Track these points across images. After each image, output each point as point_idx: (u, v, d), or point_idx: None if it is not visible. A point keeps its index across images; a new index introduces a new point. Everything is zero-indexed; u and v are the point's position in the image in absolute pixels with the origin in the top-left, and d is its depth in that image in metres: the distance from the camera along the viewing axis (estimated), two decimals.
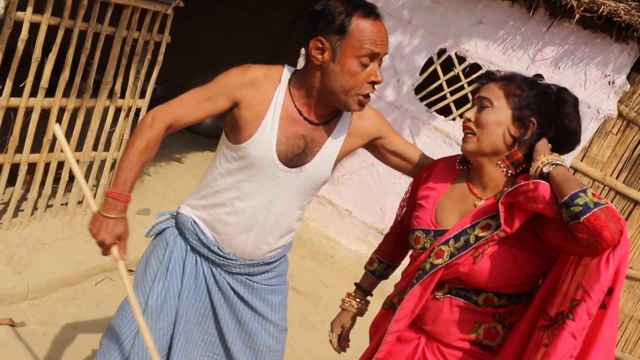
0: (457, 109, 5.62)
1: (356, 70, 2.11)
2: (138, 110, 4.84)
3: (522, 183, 1.98)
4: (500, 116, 2.09)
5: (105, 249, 2.17)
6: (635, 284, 5.46)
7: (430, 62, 5.70)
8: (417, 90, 5.77)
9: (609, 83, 5.18)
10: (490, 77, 2.18)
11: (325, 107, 2.25)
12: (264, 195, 2.30)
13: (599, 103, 5.20)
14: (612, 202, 5.30)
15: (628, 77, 5.15)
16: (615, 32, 5.05)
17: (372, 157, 5.08)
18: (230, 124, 2.27)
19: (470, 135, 2.14)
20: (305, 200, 2.39)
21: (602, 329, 1.89)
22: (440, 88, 5.69)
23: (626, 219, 5.38)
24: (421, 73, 5.72)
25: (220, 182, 2.32)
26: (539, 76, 2.18)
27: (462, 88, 5.61)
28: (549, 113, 2.09)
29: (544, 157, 2.01)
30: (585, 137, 5.28)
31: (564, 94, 2.13)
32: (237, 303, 2.44)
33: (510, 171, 2.12)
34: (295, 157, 2.26)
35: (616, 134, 5.33)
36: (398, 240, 2.59)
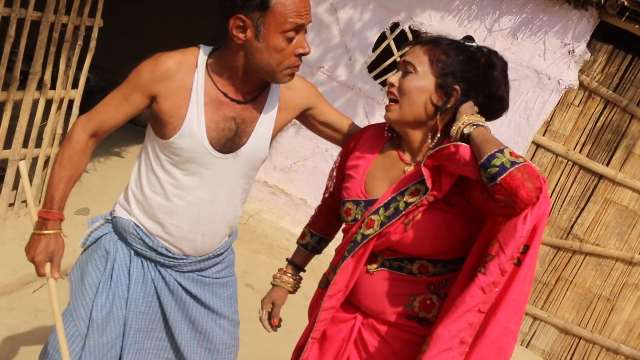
0: None
1: (282, 46, 2.10)
2: (71, 102, 4.76)
3: (443, 146, 2.03)
4: (423, 83, 2.10)
5: (38, 267, 2.27)
6: (602, 261, 5.59)
7: (383, 37, 5.71)
8: (371, 68, 5.78)
9: (569, 52, 5.27)
10: (417, 39, 2.20)
11: (252, 83, 2.25)
12: (205, 187, 2.30)
13: (560, 74, 5.28)
14: (575, 177, 5.44)
15: (588, 45, 5.24)
16: None
17: (325, 142, 5.05)
18: (153, 119, 2.26)
19: (392, 104, 2.16)
20: (247, 184, 2.41)
21: (513, 285, 1.95)
22: (394, 65, 5.70)
23: (591, 194, 5.50)
24: (374, 50, 5.73)
25: (154, 181, 2.31)
26: (469, 38, 2.19)
27: None
28: (475, 80, 2.12)
29: (466, 117, 2.04)
30: (547, 110, 5.37)
31: (493, 57, 2.16)
32: (189, 303, 2.44)
33: (431, 142, 2.16)
34: (228, 141, 2.26)
35: (578, 106, 5.43)
36: (330, 212, 2.62)
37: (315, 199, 5.98)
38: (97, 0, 4.56)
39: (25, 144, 4.53)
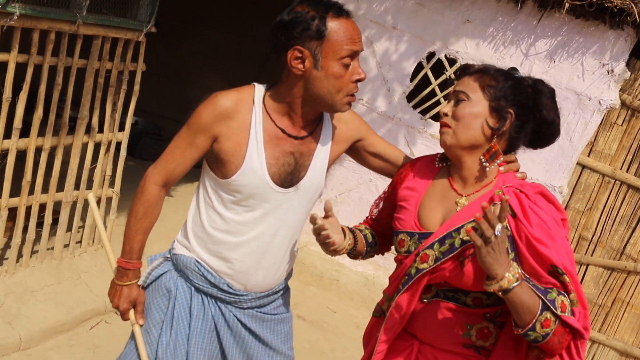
0: None
1: (340, 73, 2.19)
2: (118, 144, 4.93)
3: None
4: (477, 108, 2.17)
5: (123, 314, 2.45)
6: None
7: (419, 67, 5.80)
8: (409, 97, 5.86)
9: (608, 72, 5.29)
10: (465, 70, 2.27)
11: (308, 117, 2.32)
12: (267, 222, 2.36)
13: (600, 94, 5.30)
14: (624, 196, 5.40)
15: (627, 64, 5.24)
16: (608, 18, 5.15)
17: (369, 173, 5.18)
18: (213, 159, 2.32)
19: (447, 127, 2.21)
20: (305, 217, 2.46)
21: None
22: (432, 93, 5.78)
23: None
24: (411, 79, 5.83)
25: (215, 218, 2.37)
26: (514, 69, 2.27)
27: None
28: (526, 104, 2.19)
29: (508, 274, 1.98)
30: (590, 131, 5.36)
31: (539, 85, 2.23)
32: (247, 339, 2.50)
33: (488, 165, 2.20)
34: (288, 175, 2.33)
35: (622, 125, 5.41)
36: (375, 232, 2.59)
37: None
38: (139, 46, 4.76)
39: (77, 186, 4.73)
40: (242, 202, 2.33)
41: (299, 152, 2.34)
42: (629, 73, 5.25)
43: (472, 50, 5.63)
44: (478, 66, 2.26)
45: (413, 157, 2.56)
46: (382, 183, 5.88)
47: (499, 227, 1.94)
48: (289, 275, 2.59)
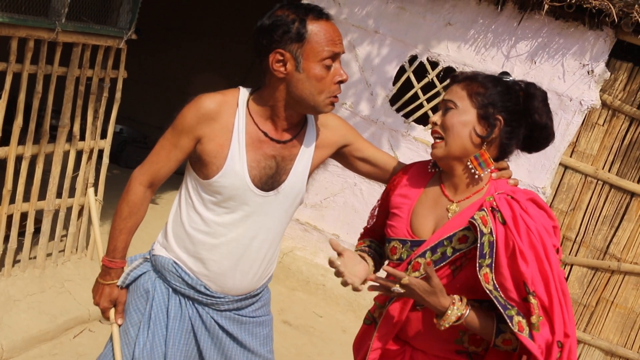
0: None
1: (322, 74, 2.21)
2: (101, 152, 4.92)
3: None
4: (465, 117, 2.18)
5: (103, 313, 2.49)
6: None
7: (402, 70, 5.83)
8: (392, 101, 5.89)
9: (588, 72, 5.33)
10: (453, 79, 2.27)
11: (290, 120, 2.34)
12: (246, 225, 2.38)
13: (581, 94, 5.34)
14: (607, 196, 5.45)
15: (607, 65, 5.29)
16: (587, 19, 5.20)
17: (354, 177, 5.16)
18: (195, 159, 2.35)
19: (438, 141, 2.22)
20: (285, 222, 2.48)
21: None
22: (415, 96, 5.81)
23: (624, 212, 5.49)
24: (394, 83, 5.85)
25: (195, 218, 2.39)
26: (505, 73, 2.26)
27: (438, 94, 5.73)
28: (516, 109, 2.19)
29: (451, 311, 2.10)
30: (572, 131, 5.40)
31: (531, 88, 2.23)
32: (225, 341, 2.51)
33: (477, 172, 2.20)
34: (269, 179, 2.34)
35: (603, 125, 5.46)
36: (377, 241, 2.59)
37: (347, 234, 6.06)
38: (120, 53, 4.75)
39: (59, 195, 4.71)
40: (222, 203, 2.34)
41: (280, 156, 2.36)
42: (609, 73, 5.29)
43: (453, 52, 5.66)
44: (466, 74, 2.26)
45: (387, 153, 2.58)
46: (367, 187, 5.90)
47: (396, 287, 2.11)
48: (268, 279, 2.60)
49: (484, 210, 2.12)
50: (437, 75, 5.73)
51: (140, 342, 2.42)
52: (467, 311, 2.09)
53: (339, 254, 2.24)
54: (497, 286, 2.06)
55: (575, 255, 5.62)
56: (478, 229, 2.09)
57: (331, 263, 2.18)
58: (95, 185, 4.95)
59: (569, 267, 5.62)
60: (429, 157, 5.73)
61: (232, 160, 2.29)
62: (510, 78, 2.25)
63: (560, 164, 5.49)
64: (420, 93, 5.78)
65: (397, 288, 2.11)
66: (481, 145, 2.19)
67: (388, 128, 5.87)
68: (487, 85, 2.19)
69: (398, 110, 5.88)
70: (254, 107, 2.34)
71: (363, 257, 2.36)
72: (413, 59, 5.79)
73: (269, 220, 2.41)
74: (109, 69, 4.72)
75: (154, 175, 2.40)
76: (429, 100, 5.78)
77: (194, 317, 2.47)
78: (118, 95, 4.86)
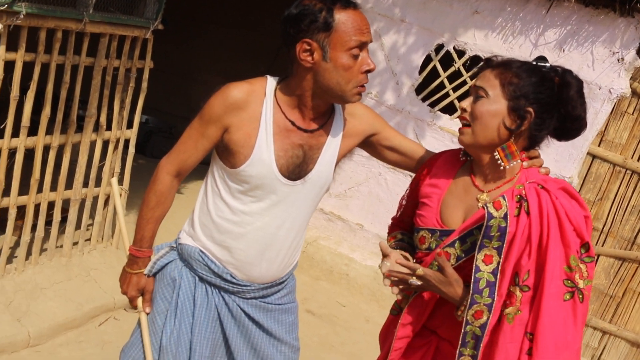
0: None
1: (349, 64, 2.19)
2: (127, 142, 4.95)
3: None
4: (495, 107, 2.13)
5: (131, 301, 2.51)
6: None
7: (428, 59, 5.78)
8: (418, 90, 5.85)
9: (618, 60, 5.25)
10: (487, 63, 2.21)
11: (319, 109, 2.33)
12: (273, 214, 2.37)
13: (610, 83, 5.26)
14: (635, 186, 5.38)
15: (638, 52, 5.20)
16: (618, 5, 5.11)
17: (378, 166, 5.15)
18: (222, 149, 2.35)
19: (465, 127, 2.18)
20: (311, 211, 2.48)
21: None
22: (441, 86, 5.77)
23: None
24: (420, 72, 5.81)
25: (222, 207, 2.39)
26: (542, 58, 2.19)
27: (464, 83, 5.68)
28: (548, 101, 2.12)
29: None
30: (600, 120, 5.33)
31: (567, 76, 2.15)
32: (251, 329, 2.51)
33: (503, 164, 2.16)
34: (296, 168, 2.34)
35: (632, 114, 5.37)
36: (407, 231, 2.58)
37: (371, 223, 6.05)
38: (147, 44, 4.77)
39: (85, 184, 4.75)
40: (249, 192, 2.34)
41: (308, 145, 2.35)
42: (639, 61, 5.20)
43: (480, 41, 5.60)
44: (501, 59, 2.20)
45: (416, 142, 2.56)
46: (392, 177, 5.88)
47: (412, 279, 2.16)
48: (294, 267, 2.60)
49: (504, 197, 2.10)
50: (464, 64, 5.67)
51: (167, 330, 2.44)
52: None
53: (385, 256, 2.28)
54: (499, 271, 2.06)
55: (602, 246, 5.56)
56: (486, 211, 2.07)
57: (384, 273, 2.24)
58: (121, 175, 4.99)
59: (596, 257, 5.56)
60: (454, 146, 5.70)
61: (260, 149, 2.29)
62: (547, 64, 2.18)
63: (588, 153, 5.42)
64: (446, 82, 5.73)
65: (414, 280, 2.14)
66: (509, 136, 2.15)
67: (414, 117, 5.83)
68: (521, 75, 2.12)
69: (424, 99, 5.84)
70: (281, 96, 2.33)
71: (407, 257, 2.35)
72: (439, 47, 5.74)
73: (296, 209, 2.41)
74: (135, 59, 4.75)
75: (181, 165, 2.40)
76: (455, 89, 5.73)
77: (220, 305, 2.48)
78: (144, 85, 4.89)
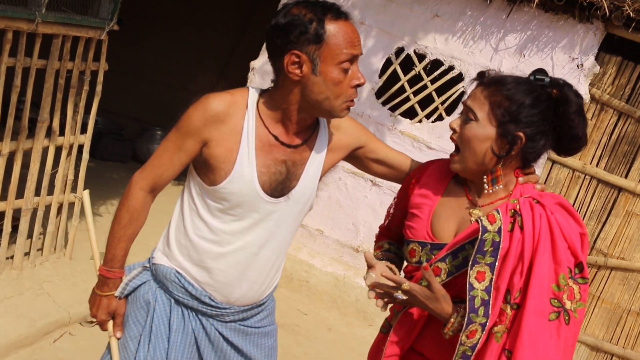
0: (422, 110, 5.64)
1: (340, 78, 2.09)
2: (81, 147, 4.77)
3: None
4: (484, 131, 2.05)
5: (101, 325, 2.37)
6: (629, 275, 5.51)
7: (388, 63, 5.72)
8: (378, 94, 5.78)
9: (578, 66, 5.26)
10: (480, 78, 2.13)
11: (302, 124, 2.23)
12: (255, 233, 2.26)
13: None
14: (594, 191, 5.41)
15: (596, 58, 5.23)
16: (577, 12, 5.14)
17: (338, 171, 5.01)
18: (201, 164, 2.22)
19: (455, 154, 2.13)
20: (295, 229, 2.38)
21: None
22: (402, 89, 5.71)
23: (612, 207, 5.45)
24: (380, 75, 5.74)
25: (200, 225, 2.27)
26: (540, 72, 2.09)
27: (425, 87, 5.63)
28: (543, 122, 2.04)
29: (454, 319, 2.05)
30: None
31: (567, 92, 2.05)
32: (229, 354, 2.40)
33: (487, 188, 2.11)
34: (279, 184, 2.23)
35: (591, 119, 5.39)
36: (394, 241, 2.51)
37: (331, 229, 5.95)
38: (101, 45, 4.59)
39: (37, 192, 4.53)
40: (229, 210, 2.23)
41: (291, 161, 2.24)
42: (598, 67, 5.23)
43: (441, 45, 5.55)
44: (494, 76, 2.10)
45: (403, 153, 2.48)
46: (352, 182, 5.79)
47: (398, 293, 2.07)
48: (274, 288, 2.49)
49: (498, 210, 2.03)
50: (424, 68, 5.62)
51: (141, 356, 2.31)
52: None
53: (370, 267, 2.20)
54: (493, 288, 1.98)
55: None
56: (480, 224, 2.00)
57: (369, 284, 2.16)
58: (75, 181, 4.78)
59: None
60: (415, 151, 5.67)
61: (241, 166, 2.17)
62: (546, 79, 2.07)
63: (548, 158, 5.42)
64: (406, 86, 5.67)
65: (399, 294, 2.06)
66: (498, 162, 2.08)
67: (374, 121, 5.75)
68: (513, 97, 2.02)
69: (384, 103, 5.77)
70: (264, 109, 2.22)
71: (392, 270, 2.27)
72: (400, 51, 5.68)
73: (278, 227, 2.30)
74: (89, 61, 4.57)
75: (155, 180, 2.27)
76: (415, 93, 5.67)
77: (198, 330, 2.36)
78: (99, 88, 4.72)
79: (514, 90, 2.03)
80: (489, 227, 2.00)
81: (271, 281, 2.41)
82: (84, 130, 4.76)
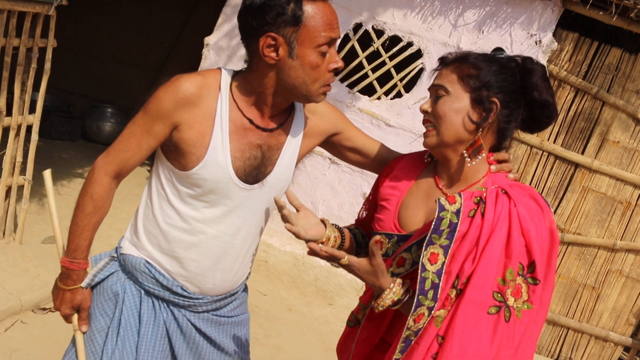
0: (380, 87, 5.56)
1: (317, 62, 2.00)
2: (30, 127, 4.58)
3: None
4: (458, 103, 1.99)
5: (65, 319, 2.25)
6: (585, 250, 5.57)
7: (346, 39, 5.62)
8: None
9: (536, 43, 5.24)
10: (442, 62, 2.08)
11: (279, 107, 2.15)
12: (228, 220, 2.18)
13: None
14: (551, 167, 5.42)
15: (554, 35, 5.21)
16: None
17: (304, 158, 4.83)
18: (171, 148, 2.12)
19: (430, 129, 2.04)
20: (268, 216, 2.29)
21: None
22: (360, 66, 5.62)
23: (568, 183, 5.48)
24: (338, 52, 5.61)
25: (170, 213, 2.17)
26: (499, 50, 2.08)
27: (383, 64, 5.55)
28: (513, 88, 2.01)
29: (387, 294, 1.99)
30: None
31: (528, 63, 2.04)
32: (201, 345, 2.33)
33: (470, 160, 2.03)
34: (254, 170, 2.14)
35: None
36: (366, 233, 2.45)
37: (290, 209, 5.84)
38: (49, 21, 4.38)
39: None
40: (201, 197, 2.13)
41: (266, 145, 2.15)
42: (556, 44, 5.22)
43: (400, 21, 5.46)
44: (456, 54, 2.06)
45: (380, 142, 2.41)
46: (310, 161, 5.70)
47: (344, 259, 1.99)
48: (247, 277, 2.41)
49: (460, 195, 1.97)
50: (383, 44, 5.53)
51: (109, 350, 2.20)
52: (406, 298, 1.97)
53: (297, 209, 2.14)
54: (444, 272, 1.92)
55: None
56: (438, 202, 1.96)
57: (281, 208, 2.09)
58: (24, 163, 4.58)
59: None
60: (374, 128, 5.58)
61: (215, 150, 2.07)
62: (504, 54, 2.06)
63: None
64: (365, 63, 5.58)
65: (345, 259, 2.00)
66: (476, 131, 2.01)
67: (332, 99, 5.65)
68: (479, 65, 2.00)
69: (342, 80, 5.68)
70: (237, 92, 2.12)
71: (324, 223, 2.20)
72: (357, 27, 5.58)
73: (252, 215, 2.21)
74: (37, 38, 4.36)
75: (121, 165, 2.15)
76: (374, 70, 5.59)
77: (169, 321, 2.27)
78: (47, 65, 4.52)
79: (478, 59, 2.02)
80: (447, 207, 1.96)
81: (245, 270, 2.33)
82: (32, 109, 4.57)
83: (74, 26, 8.46)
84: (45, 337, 3.99)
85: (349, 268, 2.00)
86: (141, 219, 2.24)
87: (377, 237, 2.03)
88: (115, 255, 2.30)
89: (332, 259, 2.00)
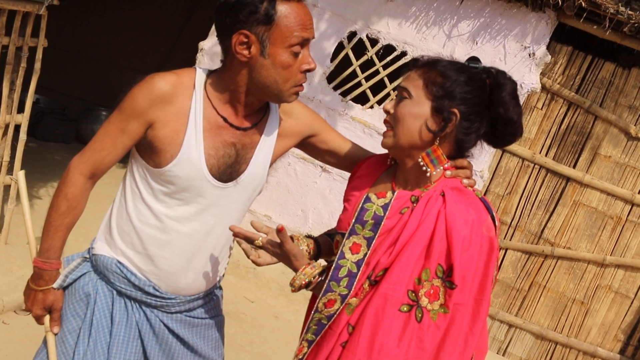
0: (374, 96, 5.53)
1: (289, 62, 2.01)
2: (18, 127, 4.54)
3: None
4: (418, 109, 1.97)
5: (37, 320, 2.23)
6: (574, 264, 5.52)
7: (340, 47, 5.59)
8: (330, 78, 5.65)
9: (530, 55, 5.21)
10: (413, 63, 2.06)
11: (253, 106, 2.14)
12: (201, 218, 2.16)
13: (521, 77, 5.21)
14: (543, 180, 5.39)
15: (548, 48, 5.18)
16: (530, 0, 5.07)
17: (287, 156, 4.79)
18: (145, 146, 2.10)
19: (388, 129, 2.04)
20: (243, 215, 2.27)
21: None
22: (354, 74, 5.59)
23: (559, 197, 5.44)
24: (332, 60, 5.60)
25: (144, 211, 2.15)
26: (474, 59, 2.04)
27: (377, 73, 5.52)
28: (477, 101, 1.96)
29: (299, 275, 2.03)
30: None
31: (500, 77, 2.00)
32: (174, 347, 2.29)
33: (429, 170, 1.99)
34: (228, 168, 2.13)
35: (541, 109, 5.37)
36: None
37: (280, 215, 5.82)
38: (40, 20, 4.36)
39: None
40: (175, 194, 2.11)
41: (240, 144, 2.14)
42: (549, 56, 5.19)
43: (394, 30, 5.43)
44: (428, 59, 2.03)
45: (355, 143, 2.38)
46: (301, 167, 5.66)
47: (258, 240, 2.06)
48: (222, 277, 2.38)
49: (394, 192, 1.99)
50: (377, 53, 5.50)
51: (80, 351, 2.17)
52: (318, 280, 2.01)
53: (266, 234, 2.16)
54: (364, 263, 1.93)
55: (510, 240, 5.55)
56: (365, 195, 1.99)
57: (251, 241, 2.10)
58: (11, 163, 4.54)
59: (504, 251, 5.54)
60: (366, 137, 5.53)
61: (188, 148, 2.06)
62: (480, 65, 2.02)
63: None
64: (358, 71, 5.55)
65: (258, 241, 2.07)
66: (433, 140, 1.98)
67: (325, 106, 5.62)
68: (447, 74, 1.96)
69: (336, 88, 5.64)
70: (212, 90, 2.11)
71: (292, 238, 2.19)
72: (352, 35, 5.55)
73: (226, 213, 2.18)
74: (27, 37, 4.34)
75: (96, 165, 2.13)
76: (367, 78, 5.56)
77: (142, 322, 2.23)
78: (37, 65, 4.49)
79: (447, 68, 1.98)
80: (373, 199, 1.98)
81: (218, 269, 2.31)
82: (21, 109, 4.54)
83: (71, 29, 8.46)
84: (26, 338, 3.94)
85: (263, 249, 2.08)
86: (115, 217, 2.22)
87: (280, 225, 2.02)
88: (88, 256, 2.27)
89: (248, 241, 2.07)
